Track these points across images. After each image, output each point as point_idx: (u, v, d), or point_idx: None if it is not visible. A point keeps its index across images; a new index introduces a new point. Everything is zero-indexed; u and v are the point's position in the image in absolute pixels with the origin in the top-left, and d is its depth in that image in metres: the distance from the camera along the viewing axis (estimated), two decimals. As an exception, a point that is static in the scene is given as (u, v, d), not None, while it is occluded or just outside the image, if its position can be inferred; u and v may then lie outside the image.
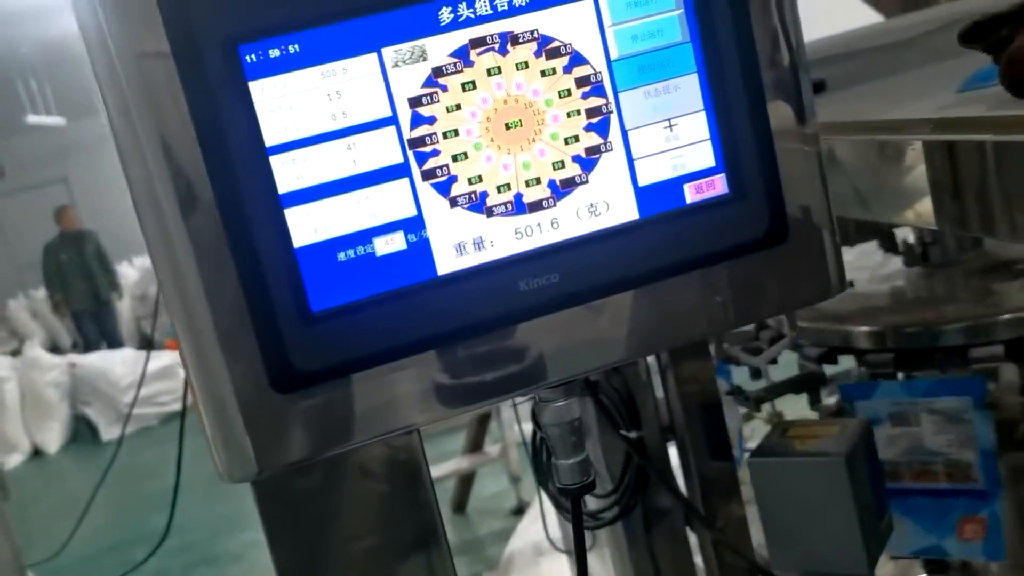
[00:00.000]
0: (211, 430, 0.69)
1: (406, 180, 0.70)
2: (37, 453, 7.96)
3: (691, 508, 1.36)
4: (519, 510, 4.29)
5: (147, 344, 9.82)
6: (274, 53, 0.66)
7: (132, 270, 12.02)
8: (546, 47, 0.72)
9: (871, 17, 2.50)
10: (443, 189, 0.71)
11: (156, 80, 0.65)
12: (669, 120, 0.75)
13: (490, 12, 0.70)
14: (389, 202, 0.70)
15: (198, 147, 0.65)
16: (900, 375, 1.66)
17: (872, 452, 1.26)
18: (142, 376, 2.64)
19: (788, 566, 1.23)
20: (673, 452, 1.38)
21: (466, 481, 4.60)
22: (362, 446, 0.73)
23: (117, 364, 8.17)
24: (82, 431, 8.12)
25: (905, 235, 1.99)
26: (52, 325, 11.30)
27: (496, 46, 0.71)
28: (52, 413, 8.06)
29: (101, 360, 8.38)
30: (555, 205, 0.73)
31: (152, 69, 0.65)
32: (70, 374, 8.20)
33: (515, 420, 3.21)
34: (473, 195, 0.71)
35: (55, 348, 10.42)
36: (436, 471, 4.25)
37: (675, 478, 1.38)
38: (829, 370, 1.81)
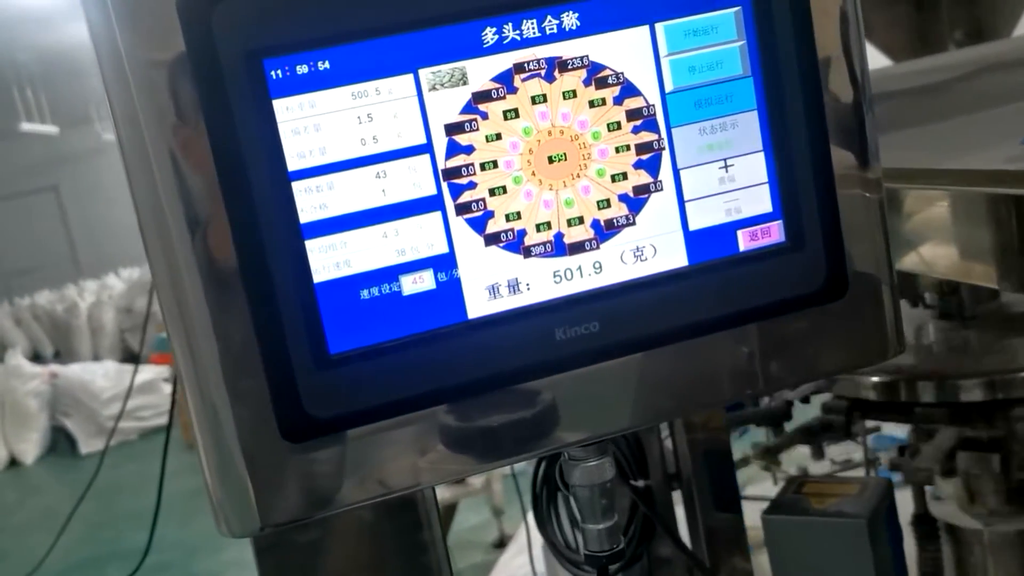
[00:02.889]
0: (212, 478, 0.64)
1: (439, 214, 0.64)
2: (13, 463, 7.85)
3: (698, 563, 1.31)
4: (501, 543, 4.24)
5: (130, 357, 9.76)
6: (302, 70, 0.61)
7: (119, 281, 11.98)
8: (596, 75, 0.66)
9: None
10: (478, 225, 0.65)
11: (170, 95, 0.59)
12: (725, 160, 0.69)
13: (538, 35, 0.65)
14: (419, 237, 0.64)
15: (214, 169, 0.60)
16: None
17: (892, 513, 1.22)
18: (129, 389, 2.58)
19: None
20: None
21: (447, 512, 4.53)
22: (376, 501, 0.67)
23: (99, 377, 8.07)
24: (60, 443, 8.01)
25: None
26: (35, 334, 11.19)
27: (543, 72, 0.65)
28: (31, 423, 7.95)
29: (83, 372, 8.29)
30: (598, 247, 0.68)
31: (166, 83, 0.59)
32: (51, 384, 8.10)
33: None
34: (510, 233, 0.66)
35: (37, 357, 10.31)
36: (419, 501, 4.18)
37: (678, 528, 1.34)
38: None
